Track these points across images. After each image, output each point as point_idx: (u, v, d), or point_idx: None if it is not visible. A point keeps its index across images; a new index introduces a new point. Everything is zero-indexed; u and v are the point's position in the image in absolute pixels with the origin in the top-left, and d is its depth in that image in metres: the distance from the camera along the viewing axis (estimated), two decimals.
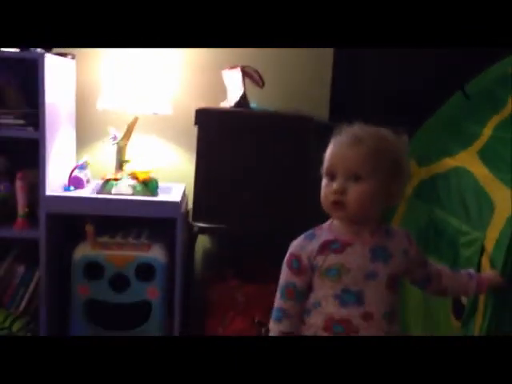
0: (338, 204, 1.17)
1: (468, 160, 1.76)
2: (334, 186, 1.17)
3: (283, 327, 1.22)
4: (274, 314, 1.24)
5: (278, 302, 1.24)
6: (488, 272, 1.39)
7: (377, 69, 2.51)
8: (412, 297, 1.93)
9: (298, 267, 1.21)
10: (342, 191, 1.16)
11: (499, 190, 1.51)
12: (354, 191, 1.16)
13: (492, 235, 1.47)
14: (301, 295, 1.22)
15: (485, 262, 1.48)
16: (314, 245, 1.20)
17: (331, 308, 1.19)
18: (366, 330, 1.18)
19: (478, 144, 1.75)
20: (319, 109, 2.43)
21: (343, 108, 2.46)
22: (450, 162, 1.87)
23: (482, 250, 1.52)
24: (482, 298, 1.45)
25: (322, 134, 1.98)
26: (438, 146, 1.99)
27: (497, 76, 1.93)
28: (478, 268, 1.50)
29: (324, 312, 1.20)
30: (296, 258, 1.21)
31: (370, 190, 1.16)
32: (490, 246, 1.47)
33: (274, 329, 1.23)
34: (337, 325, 1.19)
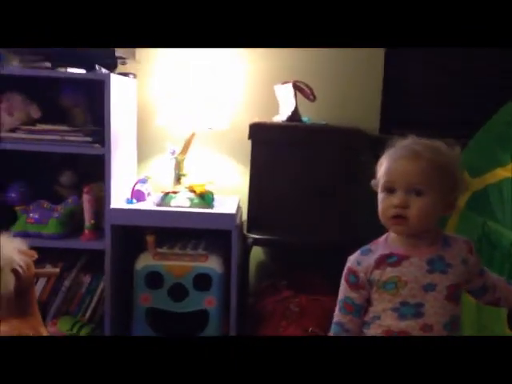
0: (400, 218, 1.17)
1: None
2: (395, 200, 1.17)
3: None
4: (333, 327, 1.27)
5: (336, 315, 1.27)
6: None
7: (427, 82, 2.54)
8: (466, 311, 1.93)
9: (355, 282, 1.23)
10: (404, 205, 1.16)
11: None
12: (417, 205, 1.16)
13: None
14: (359, 309, 1.23)
15: None
16: (371, 260, 1.22)
17: (390, 321, 1.20)
18: None
19: None
20: (369, 122, 2.47)
21: (393, 121, 2.49)
22: (501, 173, 1.86)
23: None
24: None
25: (373, 147, 2.02)
26: (490, 156, 1.98)
27: None
28: None
29: (383, 324, 1.21)
30: (353, 273, 1.23)
31: (431, 204, 1.16)
32: None
33: None
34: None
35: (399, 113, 2.54)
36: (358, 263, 1.23)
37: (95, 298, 2.27)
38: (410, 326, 1.18)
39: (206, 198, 2.24)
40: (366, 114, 2.50)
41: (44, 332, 1.57)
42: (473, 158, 2.13)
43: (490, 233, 1.86)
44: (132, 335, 2.20)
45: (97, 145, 2.09)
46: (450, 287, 1.19)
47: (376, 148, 1.98)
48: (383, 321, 1.21)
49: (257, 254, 2.57)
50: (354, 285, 1.23)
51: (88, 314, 2.27)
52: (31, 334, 1.50)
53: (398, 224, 1.18)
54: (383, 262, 1.21)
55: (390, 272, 1.20)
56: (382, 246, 1.24)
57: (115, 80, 2.08)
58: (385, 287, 1.20)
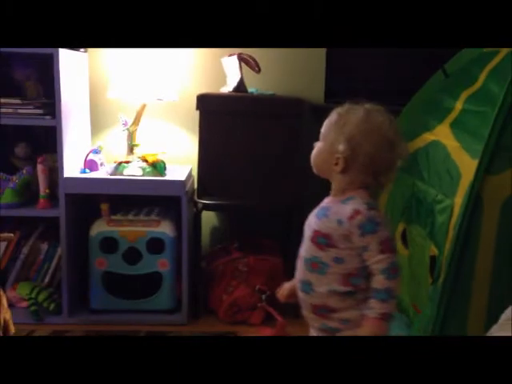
0: None
1: (442, 133, 1.91)
2: None
3: None
4: None
5: None
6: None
7: (367, 55, 2.67)
8: (400, 261, 2.11)
9: None
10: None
11: (465, 159, 1.67)
12: (314, 148, 1.36)
13: (458, 201, 1.63)
14: None
15: (451, 225, 1.64)
16: None
17: None
18: (300, 269, 1.37)
19: (451, 117, 1.90)
20: (315, 92, 2.60)
21: (337, 91, 2.62)
22: (428, 137, 2.02)
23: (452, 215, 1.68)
24: (444, 261, 1.61)
25: (315, 115, 2.15)
26: (420, 122, 2.14)
27: (473, 55, 2.07)
28: (447, 232, 1.66)
29: None
30: None
31: (320, 149, 1.34)
32: (456, 210, 1.63)
33: None
34: None
35: (342, 83, 2.67)
36: None
37: (53, 264, 2.38)
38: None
39: (157, 167, 2.35)
40: (311, 85, 2.63)
41: (0, 293, 1.67)
42: (405, 123, 2.29)
43: (418, 191, 2.03)
44: (90, 298, 2.32)
45: (48, 117, 2.17)
46: (315, 231, 1.33)
47: (318, 115, 2.11)
48: None
49: (211, 219, 2.70)
50: None
51: (47, 280, 2.38)
52: None
53: None
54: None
55: None
56: None
57: (64, 54, 2.15)
58: None
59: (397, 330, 1.92)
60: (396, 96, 2.40)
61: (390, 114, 1.33)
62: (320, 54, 2.60)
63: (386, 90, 2.65)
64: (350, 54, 2.69)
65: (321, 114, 1.91)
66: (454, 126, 1.85)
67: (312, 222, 1.35)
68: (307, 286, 1.34)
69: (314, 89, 2.61)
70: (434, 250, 1.81)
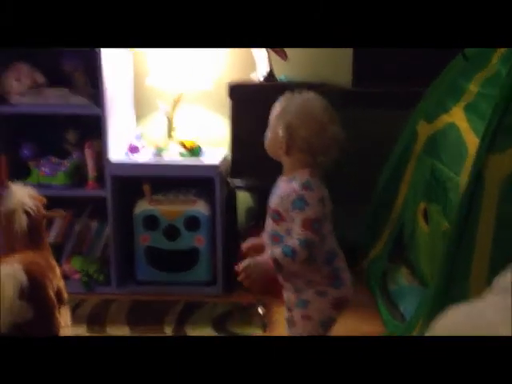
0: None
1: (457, 115, 2.01)
2: None
3: None
4: None
5: None
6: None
7: None
8: (421, 236, 2.24)
9: None
10: None
11: (472, 139, 1.77)
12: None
13: (464, 178, 1.74)
14: None
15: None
16: None
17: None
18: (266, 242, 1.55)
19: (465, 99, 1.99)
20: (343, 77, 2.71)
21: (365, 76, 2.72)
22: (446, 118, 2.12)
23: None
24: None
25: (345, 100, 2.28)
26: (440, 104, 2.23)
27: None
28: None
29: None
30: None
31: (268, 136, 1.54)
32: (462, 188, 1.74)
33: None
34: None
35: (370, 68, 2.76)
36: None
37: (103, 240, 2.62)
38: None
39: (194, 151, 2.54)
40: (339, 70, 2.74)
41: (53, 261, 1.91)
42: (428, 105, 2.38)
43: (435, 171, 2.14)
44: (135, 270, 2.55)
45: (94, 106, 2.39)
46: (269, 208, 1.52)
47: (345, 100, 2.26)
48: None
49: (247, 199, 2.87)
50: None
51: (97, 254, 2.63)
52: (43, 263, 1.85)
53: None
54: None
55: None
56: None
57: (108, 50, 2.36)
58: None
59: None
60: (421, 78, 2.48)
61: (325, 101, 1.51)
62: None
63: (411, 73, 2.72)
64: None
65: (348, 98, 1.99)
66: (467, 108, 1.95)
67: (270, 200, 1.52)
68: None
69: (341, 74, 2.72)
70: (447, 226, 1.92)
